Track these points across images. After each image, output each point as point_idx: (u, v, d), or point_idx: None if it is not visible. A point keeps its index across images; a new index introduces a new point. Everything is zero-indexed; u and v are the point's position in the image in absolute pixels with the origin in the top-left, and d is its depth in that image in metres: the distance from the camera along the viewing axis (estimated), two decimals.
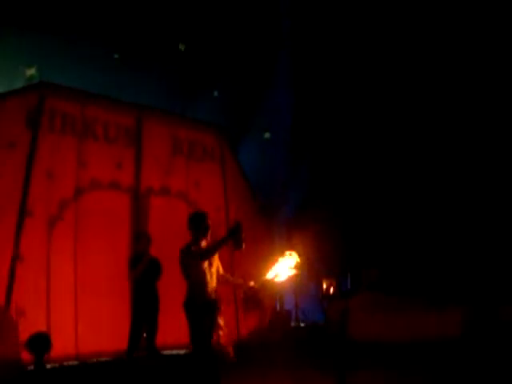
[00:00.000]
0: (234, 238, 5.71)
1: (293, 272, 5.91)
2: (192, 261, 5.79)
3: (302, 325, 11.86)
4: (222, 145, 11.42)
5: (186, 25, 12.35)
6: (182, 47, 12.41)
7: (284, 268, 5.90)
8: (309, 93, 13.14)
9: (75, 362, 8.54)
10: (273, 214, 12.11)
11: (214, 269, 5.97)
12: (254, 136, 13.50)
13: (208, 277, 5.86)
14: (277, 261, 5.94)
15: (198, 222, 6.03)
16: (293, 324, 11.47)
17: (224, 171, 11.36)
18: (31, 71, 9.70)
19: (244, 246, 5.71)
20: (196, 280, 5.85)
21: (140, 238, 8.84)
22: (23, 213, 8.49)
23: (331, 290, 11.14)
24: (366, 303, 10.54)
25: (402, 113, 12.45)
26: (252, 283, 6.15)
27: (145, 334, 8.77)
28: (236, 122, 12.73)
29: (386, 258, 12.08)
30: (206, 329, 5.78)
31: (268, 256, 11.86)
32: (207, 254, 5.80)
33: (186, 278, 5.89)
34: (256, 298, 11.47)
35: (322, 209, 12.45)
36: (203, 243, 6.04)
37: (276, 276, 5.90)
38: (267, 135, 14.15)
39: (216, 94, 13.07)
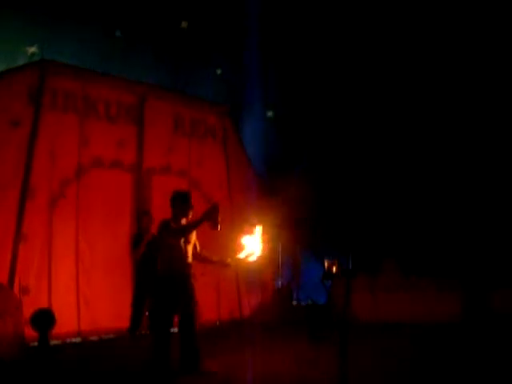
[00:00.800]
0: (210, 219, 5.88)
1: (261, 247, 6.00)
2: (166, 236, 6.05)
3: (304, 304, 11.93)
4: (225, 123, 11.39)
5: (188, 1, 12.22)
6: (184, 25, 12.29)
7: (254, 245, 6.01)
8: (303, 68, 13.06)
9: (78, 339, 8.61)
10: (275, 191, 12.08)
11: (190, 246, 6.19)
12: (257, 114, 13.43)
13: (179, 253, 6.11)
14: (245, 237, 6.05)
15: (180, 201, 6.25)
16: (294, 303, 11.54)
17: (226, 149, 11.34)
18: (32, 49, 9.63)
19: (220, 228, 5.89)
20: (165, 254, 6.15)
21: (142, 216, 8.88)
22: (26, 191, 8.50)
23: (333, 269, 11.15)
24: (368, 284, 10.59)
25: (401, 84, 12.36)
26: (229, 260, 6.33)
27: (147, 312, 8.85)
28: (239, 100, 12.67)
29: (387, 239, 12.09)
30: (165, 304, 6.04)
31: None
32: (181, 233, 6.04)
33: (159, 250, 6.24)
34: (259, 275, 11.53)
35: (324, 188, 12.45)
36: (183, 221, 6.21)
37: (249, 255, 6.03)
38: (270, 114, 14.08)
39: (219, 71, 12.97)
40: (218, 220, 5.86)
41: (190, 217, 6.25)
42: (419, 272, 11.04)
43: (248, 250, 6.01)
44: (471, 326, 9.50)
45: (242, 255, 6.05)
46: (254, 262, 6.11)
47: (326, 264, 11.37)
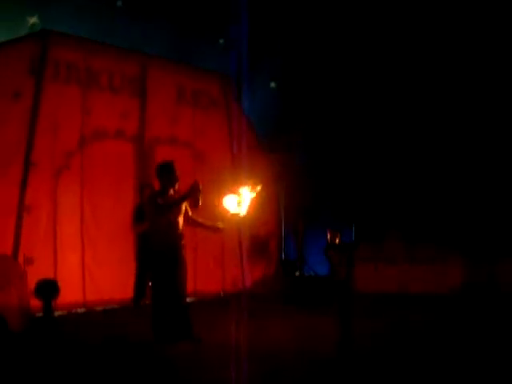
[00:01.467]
0: (191, 197, 6.07)
1: (251, 197, 6.03)
2: (153, 212, 6.18)
3: (307, 275, 11.98)
4: (227, 93, 11.32)
5: None
6: None
7: (236, 204, 6.04)
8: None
9: (83, 310, 8.70)
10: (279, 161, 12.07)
11: (180, 216, 6.23)
12: (260, 84, 13.33)
13: (169, 225, 6.14)
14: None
15: (166, 172, 6.28)
16: (297, 274, 11.58)
17: (229, 119, 11.30)
18: (33, 19, 9.53)
19: (200, 205, 6.12)
20: (155, 227, 6.24)
21: (144, 188, 8.90)
22: (28, 163, 8.50)
23: (336, 240, 11.16)
24: (370, 255, 10.64)
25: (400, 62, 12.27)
26: (219, 223, 6.38)
27: (150, 283, 8.93)
28: (242, 70, 12.55)
29: (391, 209, 12.08)
30: (163, 275, 6.10)
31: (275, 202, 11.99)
32: (166, 210, 6.10)
33: (149, 219, 6.37)
34: (263, 247, 11.58)
35: (327, 158, 12.42)
36: (171, 192, 6.31)
37: (234, 215, 6.04)
38: (273, 84, 13.95)
39: (222, 41, 12.83)
40: (198, 198, 6.08)
41: (177, 187, 6.34)
42: (422, 242, 11.07)
43: (232, 210, 6.03)
44: (473, 296, 9.55)
45: (227, 215, 6.08)
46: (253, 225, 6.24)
47: (328, 235, 11.37)
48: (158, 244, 6.22)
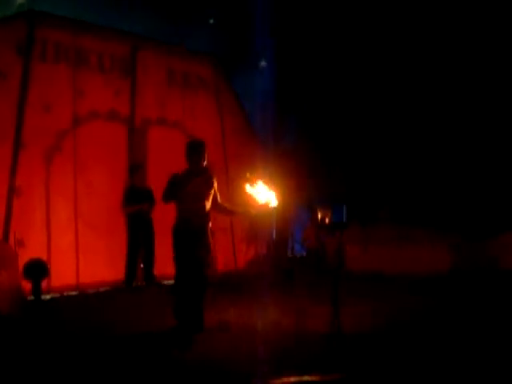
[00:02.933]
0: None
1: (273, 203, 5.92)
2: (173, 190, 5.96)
3: (298, 255, 12.06)
4: (217, 74, 11.26)
5: None
6: None
7: (266, 192, 5.91)
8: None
9: (75, 292, 8.70)
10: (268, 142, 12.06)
11: (205, 199, 6.02)
12: (250, 64, 13.27)
13: (194, 205, 5.95)
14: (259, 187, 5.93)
15: (191, 152, 6.08)
16: (289, 254, 11.65)
17: (219, 100, 11.24)
18: (21, 0, 9.42)
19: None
20: (180, 207, 6.02)
21: (134, 169, 8.88)
22: (18, 145, 8.45)
23: (326, 220, 11.18)
24: (360, 236, 10.69)
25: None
26: (251, 210, 6.11)
27: (142, 265, 8.97)
28: (232, 50, 12.47)
29: (382, 190, 12.15)
30: (187, 256, 5.91)
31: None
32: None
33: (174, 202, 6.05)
34: (255, 227, 11.60)
35: (317, 138, 12.43)
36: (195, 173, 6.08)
37: (268, 201, 5.89)
38: (263, 63, 13.89)
39: (212, 21, 12.74)
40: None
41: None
42: (413, 223, 11.13)
43: (263, 198, 5.87)
44: (462, 277, 9.63)
45: (260, 202, 5.89)
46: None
47: (319, 214, 11.39)
48: (181, 223, 6.02)
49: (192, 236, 5.95)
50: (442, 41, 11.92)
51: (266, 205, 5.87)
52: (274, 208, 5.97)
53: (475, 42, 11.60)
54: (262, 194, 5.86)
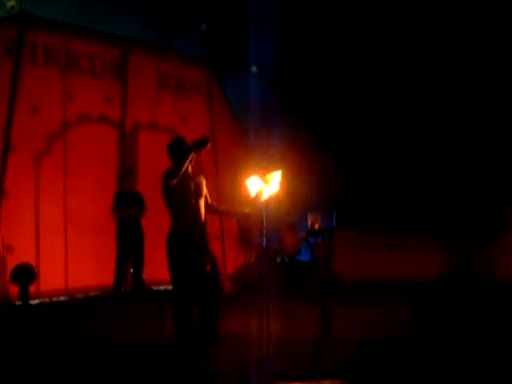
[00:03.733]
0: (197, 150, 5.41)
1: (274, 189, 5.42)
2: (169, 185, 5.35)
3: (288, 261, 12.02)
4: (210, 79, 11.24)
5: None
6: None
7: (259, 184, 5.43)
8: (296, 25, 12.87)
9: (65, 297, 8.63)
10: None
11: (201, 201, 5.56)
12: (242, 69, 13.25)
13: (191, 211, 5.46)
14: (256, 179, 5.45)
15: (177, 147, 5.60)
16: (278, 260, 11.61)
17: (211, 106, 11.22)
18: (11, 2, 9.33)
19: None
20: (176, 213, 5.48)
21: (126, 175, 8.85)
22: (7, 148, 8.39)
23: (316, 225, 11.19)
24: (351, 242, 10.69)
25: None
26: (245, 209, 5.73)
27: (131, 270, 8.92)
28: (224, 55, 12.46)
29: (373, 196, 12.16)
30: (187, 267, 5.39)
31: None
32: (176, 172, 5.34)
33: (168, 209, 5.52)
34: (245, 233, 11.55)
35: (311, 141, 12.43)
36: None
37: (258, 194, 5.39)
38: (254, 69, 13.87)
39: (204, 26, 12.71)
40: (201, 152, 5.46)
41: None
42: (404, 230, 11.14)
43: (255, 190, 5.39)
44: (453, 284, 9.66)
45: (252, 196, 5.38)
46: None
47: (309, 220, 11.40)
48: (178, 231, 5.46)
49: (196, 242, 5.46)
50: (441, 44, 11.97)
51: (258, 197, 5.39)
52: (265, 201, 5.42)
53: (476, 43, 11.65)
54: (255, 186, 5.40)
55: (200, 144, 5.42)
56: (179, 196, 5.43)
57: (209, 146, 5.47)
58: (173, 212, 5.51)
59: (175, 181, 5.32)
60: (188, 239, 5.42)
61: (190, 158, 5.40)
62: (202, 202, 5.57)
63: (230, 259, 10.94)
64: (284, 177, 5.45)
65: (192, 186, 5.51)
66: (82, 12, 9.46)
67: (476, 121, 11.85)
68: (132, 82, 9.91)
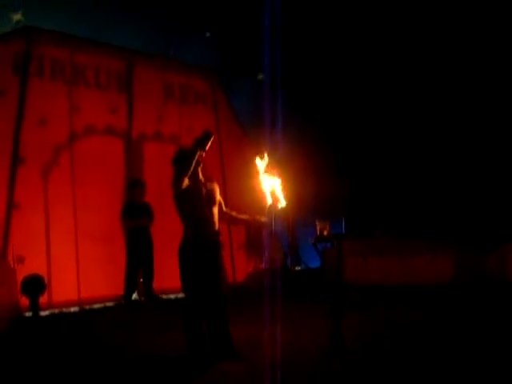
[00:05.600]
0: (202, 146, 5.15)
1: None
2: (179, 189, 5.14)
3: (298, 268, 12.00)
4: (215, 89, 11.27)
5: None
6: None
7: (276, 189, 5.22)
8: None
9: (76, 307, 8.65)
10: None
11: (215, 208, 5.39)
12: (248, 77, 13.30)
13: (204, 218, 5.28)
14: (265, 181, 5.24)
15: (182, 158, 5.35)
16: (288, 267, 11.60)
17: (217, 115, 11.25)
18: (18, 16, 9.44)
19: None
20: (188, 221, 5.29)
21: (135, 186, 8.87)
22: (16, 161, 8.47)
23: (325, 232, 11.16)
24: (360, 247, 10.66)
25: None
26: (261, 217, 5.57)
27: (141, 279, 8.95)
28: (229, 63, 12.51)
29: (380, 202, 12.14)
30: (199, 277, 5.23)
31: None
32: (182, 172, 5.13)
33: (181, 216, 5.33)
34: (254, 240, 11.56)
35: (316, 143, 12.42)
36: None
37: (276, 200, 5.18)
38: (260, 76, 13.92)
39: (208, 34, 12.78)
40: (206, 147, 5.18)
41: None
42: (412, 235, 11.11)
43: (272, 196, 5.17)
44: (462, 287, 9.61)
45: (269, 202, 5.17)
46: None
47: (317, 227, 11.38)
48: (191, 239, 5.27)
49: (209, 251, 5.31)
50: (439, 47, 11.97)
51: (275, 204, 5.16)
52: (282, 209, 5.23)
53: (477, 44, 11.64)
54: (271, 191, 5.16)
55: (203, 138, 5.14)
56: (191, 203, 5.26)
57: (212, 138, 5.15)
58: (185, 220, 5.32)
59: (184, 180, 5.12)
60: (201, 248, 5.25)
61: (196, 157, 5.16)
62: (215, 210, 5.40)
63: (239, 267, 10.95)
64: (284, 185, 5.30)
65: (204, 193, 5.35)
66: (86, 24, 9.54)
67: (486, 122, 11.80)
68: (137, 93, 9.96)
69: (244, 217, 5.76)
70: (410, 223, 11.52)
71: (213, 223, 5.35)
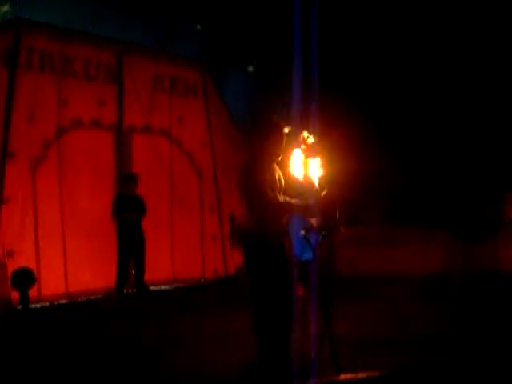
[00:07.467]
0: None
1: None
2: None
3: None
4: (205, 80, 11.22)
5: None
6: None
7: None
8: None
9: (66, 300, 8.65)
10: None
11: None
12: (238, 69, 13.26)
13: (275, 212, 4.52)
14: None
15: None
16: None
17: (207, 107, 11.19)
18: (5, 8, 9.34)
19: None
20: (256, 209, 4.55)
21: (131, 179, 8.82)
22: (5, 154, 8.40)
23: (315, 223, 11.10)
24: (351, 238, 10.68)
25: None
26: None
27: (133, 272, 8.95)
28: (219, 55, 12.46)
29: (370, 191, 12.13)
30: (264, 281, 4.51)
31: None
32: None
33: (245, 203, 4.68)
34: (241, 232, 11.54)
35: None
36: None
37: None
38: (251, 69, 13.89)
39: (199, 26, 12.72)
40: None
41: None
42: (403, 224, 11.12)
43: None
44: (455, 278, 9.65)
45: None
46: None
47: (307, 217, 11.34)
48: (258, 231, 4.48)
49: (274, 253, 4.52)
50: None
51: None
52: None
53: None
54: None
55: None
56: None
57: None
58: (251, 207, 4.61)
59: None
60: (267, 242, 4.50)
61: None
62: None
63: (230, 258, 10.95)
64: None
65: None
66: (75, 15, 9.46)
67: (475, 117, 11.83)
68: (127, 85, 9.88)
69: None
70: (401, 212, 11.51)
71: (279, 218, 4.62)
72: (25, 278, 7.85)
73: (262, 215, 4.43)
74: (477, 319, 6.58)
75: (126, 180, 8.99)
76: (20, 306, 7.70)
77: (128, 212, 8.65)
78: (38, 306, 8.17)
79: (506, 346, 5.37)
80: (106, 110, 9.65)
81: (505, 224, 10.55)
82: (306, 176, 4.71)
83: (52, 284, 8.51)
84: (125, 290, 8.90)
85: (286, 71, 11.17)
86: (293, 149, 4.68)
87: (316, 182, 4.74)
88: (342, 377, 4.64)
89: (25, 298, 7.71)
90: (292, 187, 4.68)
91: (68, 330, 6.64)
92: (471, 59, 11.94)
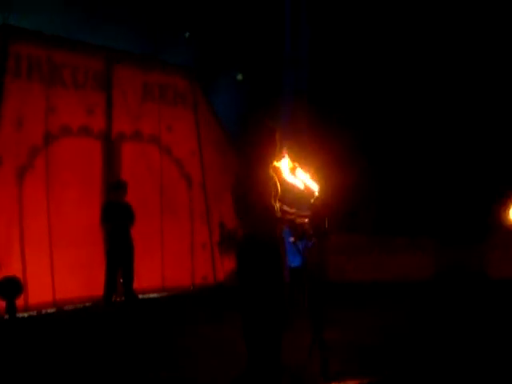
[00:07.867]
0: None
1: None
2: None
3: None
4: (194, 88, 11.22)
5: None
6: None
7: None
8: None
9: (53, 309, 8.57)
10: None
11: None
12: (227, 77, 13.25)
13: (271, 213, 4.42)
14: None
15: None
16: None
17: (197, 115, 11.19)
18: None
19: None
20: (252, 214, 4.42)
21: (120, 187, 8.75)
22: None
23: (306, 229, 11.09)
24: (343, 245, 10.70)
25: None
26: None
27: (121, 280, 8.87)
28: (208, 63, 12.44)
29: (362, 198, 12.16)
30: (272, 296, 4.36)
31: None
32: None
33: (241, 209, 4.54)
34: (231, 236, 11.51)
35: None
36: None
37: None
38: (240, 77, 13.87)
39: (187, 34, 12.70)
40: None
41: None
42: (394, 232, 11.15)
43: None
44: (444, 283, 9.69)
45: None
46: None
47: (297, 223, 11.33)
48: (253, 237, 4.38)
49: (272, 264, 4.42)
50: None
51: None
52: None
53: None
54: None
55: None
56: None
57: None
58: (247, 212, 4.48)
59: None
60: (262, 249, 4.41)
61: None
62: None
63: (219, 266, 10.91)
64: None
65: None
66: (64, 23, 9.40)
67: (465, 124, 11.89)
68: (116, 93, 9.86)
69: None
70: (391, 220, 11.54)
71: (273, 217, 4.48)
72: (12, 287, 7.77)
73: (257, 222, 4.37)
74: (465, 325, 6.59)
75: (114, 187, 8.91)
76: (7, 316, 7.61)
77: (116, 220, 8.57)
78: (26, 315, 8.09)
79: (498, 351, 5.37)
80: (94, 117, 9.62)
81: (492, 229, 10.60)
82: (298, 183, 4.72)
83: (39, 293, 8.43)
84: (113, 299, 8.82)
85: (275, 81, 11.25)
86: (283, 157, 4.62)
87: (307, 189, 4.77)
88: None
89: (12, 307, 7.63)
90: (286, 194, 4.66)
91: (56, 340, 6.58)
92: (456, 73, 12.03)
